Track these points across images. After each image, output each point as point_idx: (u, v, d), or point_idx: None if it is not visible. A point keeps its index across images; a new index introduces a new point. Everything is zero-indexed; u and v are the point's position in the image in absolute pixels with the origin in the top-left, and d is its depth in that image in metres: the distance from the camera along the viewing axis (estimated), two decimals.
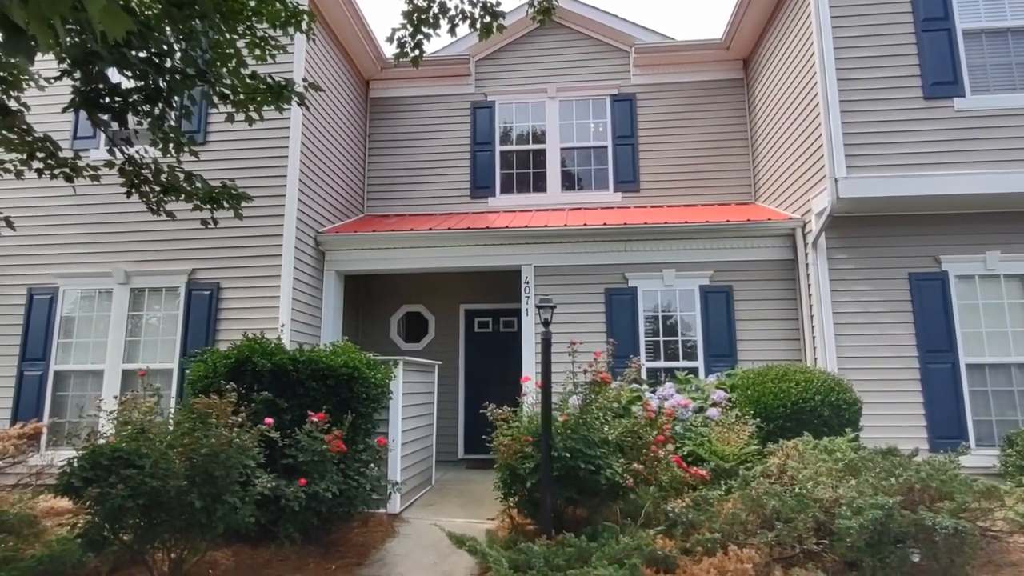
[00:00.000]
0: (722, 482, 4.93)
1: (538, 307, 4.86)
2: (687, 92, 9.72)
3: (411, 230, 8.10)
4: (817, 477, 4.37)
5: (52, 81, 4.04)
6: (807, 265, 7.26)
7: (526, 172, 9.82)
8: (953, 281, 6.82)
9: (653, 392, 6.68)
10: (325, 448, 4.58)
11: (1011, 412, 6.59)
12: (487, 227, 7.98)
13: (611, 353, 5.43)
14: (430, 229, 8.06)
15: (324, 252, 8.20)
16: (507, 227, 7.92)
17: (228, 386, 4.47)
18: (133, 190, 3.84)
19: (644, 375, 7.42)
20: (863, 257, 6.95)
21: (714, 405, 6.18)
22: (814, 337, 7.07)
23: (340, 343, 5.60)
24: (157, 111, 3.23)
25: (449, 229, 8.00)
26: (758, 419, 5.75)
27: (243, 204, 4.12)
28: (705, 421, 5.97)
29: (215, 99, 3.33)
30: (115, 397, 5.29)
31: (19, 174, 4.17)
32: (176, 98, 3.20)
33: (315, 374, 5.11)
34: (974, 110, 6.61)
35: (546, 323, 4.79)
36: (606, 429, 4.89)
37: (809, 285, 7.18)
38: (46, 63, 5.33)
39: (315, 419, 4.66)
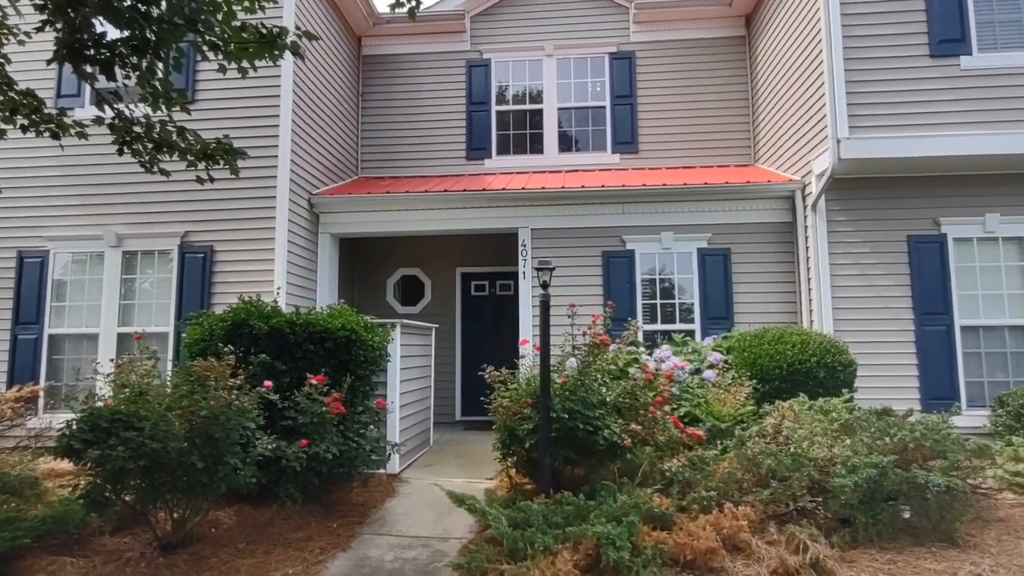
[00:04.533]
0: (718, 442, 5.00)
1: (537, 269, 4.82)
2: (687, 50, 9.49)
3: (406, 192, 7.98)
4: (812, 437, 4.43)
5: (32, 34, 3.88)
6: (806, 228, 7.22)
7: (523, 133, 9.64)
8: (951, 244, 6.81)
9: (650, 355, 6.71)
10: (325, 410, 4.59)
11: (1002, 374, 6.66)
12: (483, 189, 7.87)
13: (609, 316, 5.41)
14: (425, 191, 7.94)
15: (318, 214, 8.08)
16: (504, 189, 7.82)
17: (225, 349, 4.44)
18: (125, 147, 3.72)
19: (641, 338, 7.44)
20: (862, 220, 6.91)
21: (711, 367, 6.22)
22: (811, 300, 7.08)
23: (337, 306, 5.57)
24: (146, 63, 3.10)
25: (445, 191, 7.89)
26: (754, 380, 5.80)
27: (238, 161, 4.01)
28: (701, 383, 6.01)
29: (205, 49, 3.19)
30: (111, 360, 5.27)
31: (1, 133, 4.04)
32: (165, 49, 3.06)
33: (312, 337, 5.08)
34: (980, 68, 6.49)
35: (544, 285, 4.76)
36: (604, 391, 4.91)
37: (807, 247, 7.16)
38: (27, 16, 5.11)
39: (314, 381, 4.66)
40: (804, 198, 7.32)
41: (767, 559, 3.69)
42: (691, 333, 7.51)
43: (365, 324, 5.46)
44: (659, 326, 7.63)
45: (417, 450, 6.86)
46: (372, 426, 5.09)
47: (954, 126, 6.44)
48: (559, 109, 9.57)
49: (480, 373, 5.44)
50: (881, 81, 6.56)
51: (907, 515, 4.11)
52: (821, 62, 6.79)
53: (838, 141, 6.45)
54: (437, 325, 8.02)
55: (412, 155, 9.69)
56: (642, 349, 6.91)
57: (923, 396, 6.63)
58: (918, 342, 6.72)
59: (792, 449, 4.36)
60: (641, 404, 4.79)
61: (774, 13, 8.31)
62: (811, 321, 7.06)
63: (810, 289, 7.10)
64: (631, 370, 5.67)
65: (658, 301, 7.70)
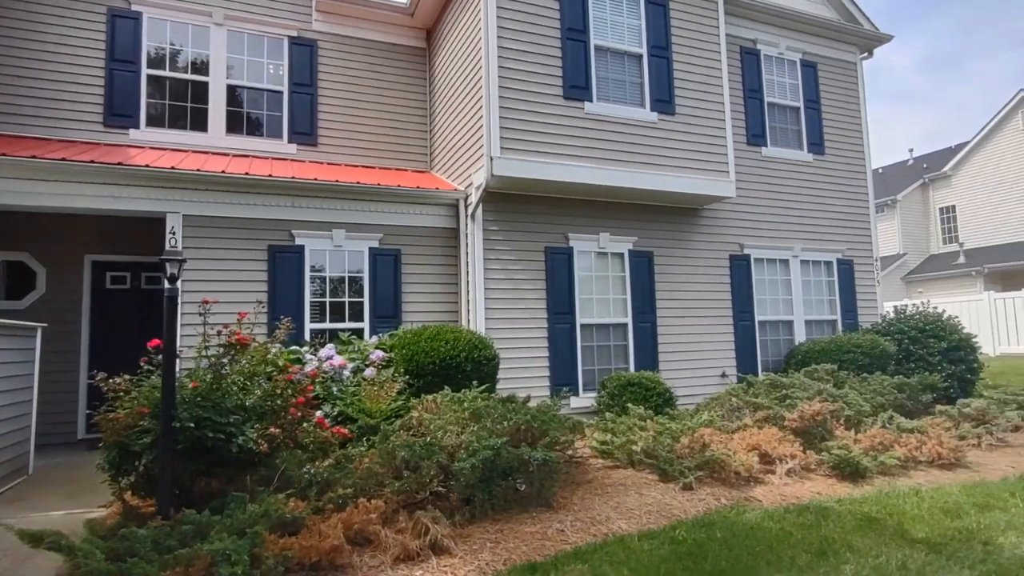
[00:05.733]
0: (365, 439, 5.07)
1: (164, 260, 4.22)
2: (372, 51, 9.57)
3: (3, 155, 6.26)
4: (446, 426, 4.80)
5: None
6: (467, 234, 7.88)
7: (183, 106, 8.48)
8: (576, 255, 8.19)
9: (315, 354, 6.53)
10: None
11: (607, 362, 8.27)
12: (121, 163, 6.65)
13: (258, 311, 5.07)
14: (33, 157, 6.35)
15: None
16: (148, 166, 6.73)
17: None
18: None
19: (308, 336, 7.23)
20: (512, 230, 7.85)
21: (371, 365, 6.31)
22: (468, 300, 7.75)
23: None
24: None
25: (63, 160, 6.41)
26: (409, 376, 6.07)
27: None
28: (360, 381, 6.06)
29: None
30: None
31: None
32: None
33: None
34: (597, 114, 7.95)
35: (172, 279, 4.20)
36: (244, 395, 4.55)
37: (467, 252, 7.82)
38: None
39: None
40: (466, 207, 7.98)
41: (392, 547, 3.84)
42: (360, 331, 7.54)
43: None
44: (328, 324, 7.47)
45: (4, 482, 5.42)
46: None
47: (579, 158, 7.76)
48: (229, 86, 8.69)
49: (90, 381, 4.54)
50: (527, 111, 7.54)
51: (522, 487, 4.74)
52: (481, 87, 7.50)
53: (491, 159, 7.21)
54: (46, 324, 6.49)
55: (21, 110, 7.68)
56: (306, 348, 6.69)
57: (552, 383, 7.81)
58: (550, 338, 7.91)
59: (428, 439, 4.65)
60: (282, 406, 4.57)
61: (449, 34, 8.92)
62: (469, 320, 7.73)
63: (468, 291, 7.77)
64: (293, 370, 5.40)
65: (328, 299, 7.54)
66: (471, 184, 7.85)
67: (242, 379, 4.65)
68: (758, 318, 9.40)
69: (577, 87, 7.84)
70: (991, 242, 24.42)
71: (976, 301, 19.36)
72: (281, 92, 8.96)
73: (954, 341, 9.05)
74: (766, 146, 9.87)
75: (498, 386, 6.83)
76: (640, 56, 8.34)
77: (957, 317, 9.88)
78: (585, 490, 5.08)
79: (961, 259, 24.23)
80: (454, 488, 4.37)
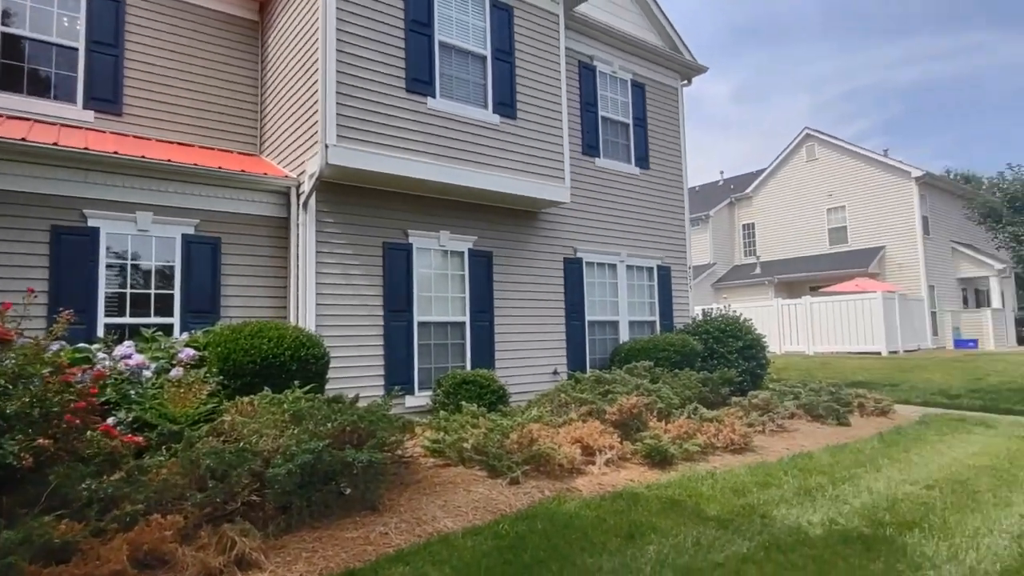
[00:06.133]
0: (166, 447, 4.51)
1: None
2: (197, 17, 8.62)
3: None
4: (263, 429, 4.43)
5: None
6: (298, 225, 7.40)
7: None
8: (416, 252, 8.06)
9: (109, 352, 5.70)
10: None
11: (444, 360, 8.24)
12: None
13: (29, 302, 4.28)
14: None
15: None
16: None
17: None
18: None
19: (102, 333, 6.32)
20: (348, 223, 7.51)
21: (179, 364, 5.65)
22: (298, 296, 7.28)
23: None
24: None
25: None
26: (224, 377, 5.53)
27: None
28: (164, 383, 5.39)
29: None
30: None
31: None
32: None
33: None
34: (440, 111, 7.89)
35: None
36: (7, 400, 3.81)
37: (298, 244, 7.34)
38: None
39: None
40: (299, 196, 7.49)
41: (191, 567, 3.44)
42: (170, 328, 6.74)
43: None
44: (129, 320, 6.58)
45: None
46: None
47: (420, 153, 7.63)
48: (5, 35, 7.29)
49: None
50: (367, 100, 7.26)
51: (347, 491, 4.52)
52: (317, 70, 7.08)
53: (327, 146, 6.83)
54: None
55: None
56: (98, 346, 5.81)
57: (387, 382, 7.59)
58: (386, 336, 7.69)
59: (241, 444, 4.26)
60: (57, 413, 3.90)
61: (284, 10, 8.31)
62: (298, 317, 7.26)
63: (299, 285, 7.29)
64: (72, 371, 4.63)
65: (129, 291, 6.63)
66: (304, 172, 7.37)
67: (3, 382, 3.89)
68: (588, 318, 9.96)
69: (420, 81, 7.72)
70: (780, 256, 28.42)
71: (767, 307, 22.42)
72: (76, 49, 7.71)
73: (748, 341, 10.34)
74: (599, 157, 10.51)
75: (329, 386, 6.48)
76: (484, 58, 8.43)
77: (751, 320, 11.31)
78: (413, 490, 4.98)
79: (758, 270, 27.89)
80: (269, 496, 4.04)
